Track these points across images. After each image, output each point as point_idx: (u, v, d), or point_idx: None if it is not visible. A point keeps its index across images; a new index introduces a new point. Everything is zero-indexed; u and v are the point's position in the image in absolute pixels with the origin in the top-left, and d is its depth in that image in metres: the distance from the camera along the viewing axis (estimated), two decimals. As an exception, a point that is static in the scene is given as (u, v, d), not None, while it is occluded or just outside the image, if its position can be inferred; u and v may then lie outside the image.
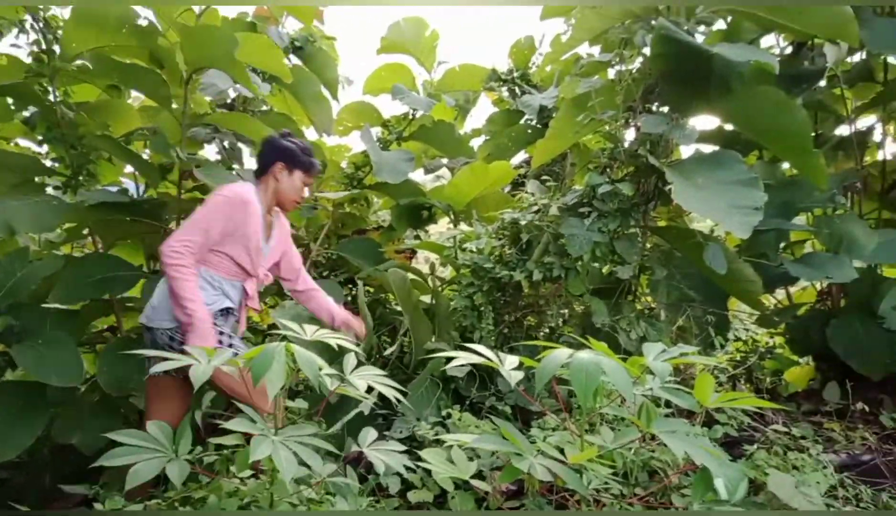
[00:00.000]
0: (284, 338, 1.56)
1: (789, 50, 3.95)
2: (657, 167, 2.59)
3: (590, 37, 2.98)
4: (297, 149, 2.52)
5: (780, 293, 4.28)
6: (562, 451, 1.33)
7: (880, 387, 3.51)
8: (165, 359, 1.53)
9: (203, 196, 3.55)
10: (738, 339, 4.46)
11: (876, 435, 2.98)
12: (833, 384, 3.52)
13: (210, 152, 4.21)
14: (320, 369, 1.50)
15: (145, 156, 3.65)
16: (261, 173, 2.52)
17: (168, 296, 2.26)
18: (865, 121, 4.20)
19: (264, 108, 4.21)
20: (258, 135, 3.34)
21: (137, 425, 3.19)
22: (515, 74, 4.73)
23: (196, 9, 3.16)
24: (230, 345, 2.30)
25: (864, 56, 3.83)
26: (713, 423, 2.60)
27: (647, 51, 2.83)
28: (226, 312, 2.37)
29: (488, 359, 1.38)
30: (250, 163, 4.66)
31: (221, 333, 2.30)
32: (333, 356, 2.04)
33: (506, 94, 4.89)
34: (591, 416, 1.45)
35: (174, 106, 3.28)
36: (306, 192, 2.66)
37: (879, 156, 4.18)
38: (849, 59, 3.91)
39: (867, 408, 3.02)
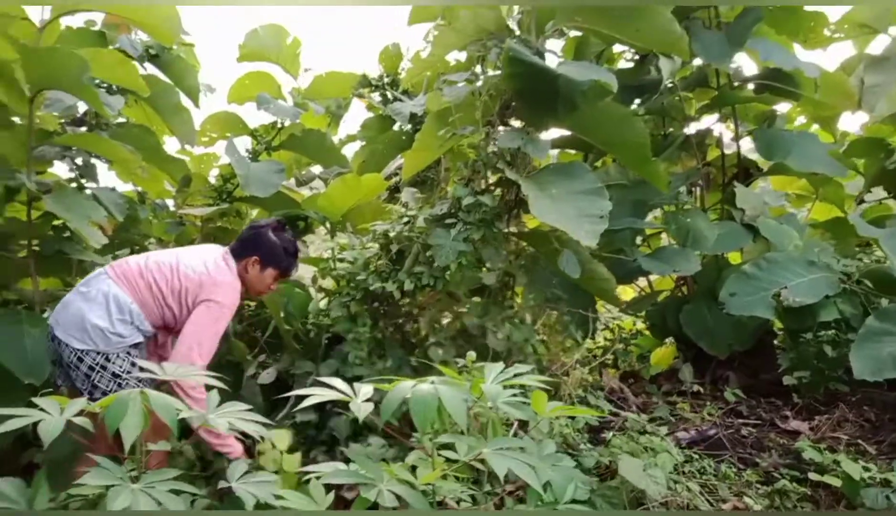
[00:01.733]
0: (141, 381, 1.53)
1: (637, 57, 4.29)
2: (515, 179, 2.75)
3: (447, 53, 3.09)
4: (280, 250, 2.58)
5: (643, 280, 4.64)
6: (415, 470, 1.43)
7: (727, 365, 3.91)
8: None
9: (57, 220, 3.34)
10: (606, 327, 4.81)
11: (721, 410, 3.33)
12: (687, 365, 3.87)
13: (61, 169, 3.96)
14: (178, 412, 1.49)
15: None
16: (238, 255, 2.57)
17: (81, 315, 2.28)
18: (707, 121, 4.64)
19: (121, 119, 4.00)
20: (114, 155, 3.20)
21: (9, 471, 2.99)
22: (386, 80, 4.79)
23: (36, 21, 2.95)
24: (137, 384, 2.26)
25: (700, 63, 4.22)
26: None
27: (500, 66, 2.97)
28: (137, 345, 2.37)
29: (342, 392, 1.44)
30: (107, 178, 4.40)
31: (129, 372, 2.28)
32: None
33: (377, 99, 4.94)
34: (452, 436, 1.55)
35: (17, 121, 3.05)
36: (275, 287, 2.71)
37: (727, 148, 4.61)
38: (693, 63, 4.29)
39: (702, 389, 3.36)
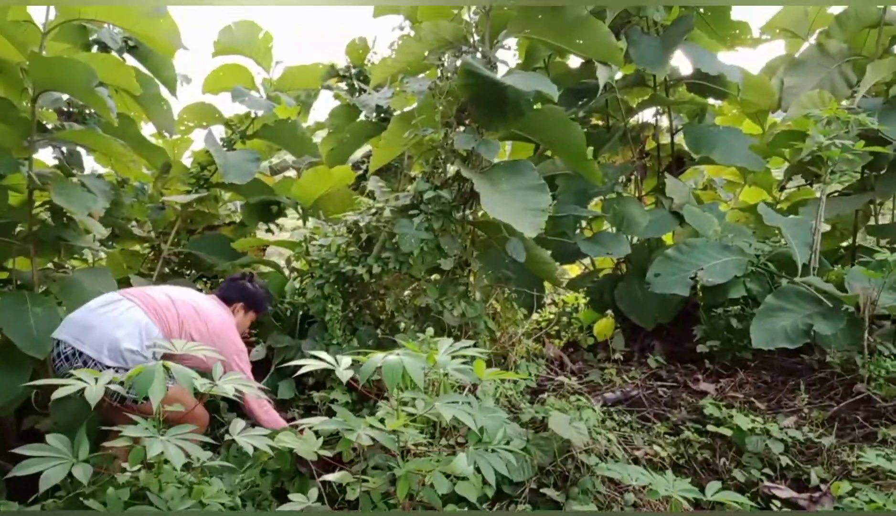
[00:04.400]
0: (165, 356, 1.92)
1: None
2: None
3: (411, 59, 3.46)
4: (259, 296, 3.12)
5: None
6: (384, 421, 1.85)
7: (656, 335, 4.46)
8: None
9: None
10: (552, 303, 5.31)
11: (644, 374, 3.86)
12: (619, 336, 4.41)
13: (44, 155, 4.19)
14: (193, 379, 1.89)
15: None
16: (225, 302, 3.02)
17: (113, 338, 2.54)
18: (646, 114, 5.11)
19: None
20: (109, 149, 3.49)
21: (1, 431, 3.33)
22: (353, 71, 5.11)
23: (40, 24, 3.18)
24: None
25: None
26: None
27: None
28: None
29: (328, 362, 1.85)
30: (90, 164, 4.66)
31: None
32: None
33: (344, 88, 5.26)
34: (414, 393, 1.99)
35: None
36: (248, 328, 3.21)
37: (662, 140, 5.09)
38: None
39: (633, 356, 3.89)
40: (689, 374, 3.83)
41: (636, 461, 2.90)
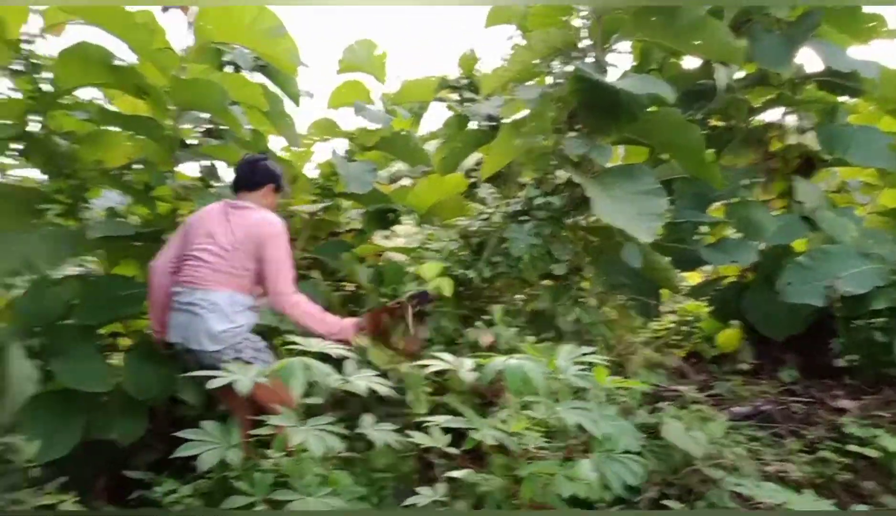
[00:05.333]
0: (301, 352, 2.06)
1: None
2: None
3: (521, 68, 3.50)
4: (281, 175, 2.92)
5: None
6: (505, 422, 1.89)
7: (787, 347, 4.18)
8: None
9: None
10: (672, 311, 5.13)
11: (776, 389, 3.65)
12: (746, 346, 4.19)
13: (186, 169, 4.60)
14: (328, 375, 2.02)
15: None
16: (251, 189, 2.81)
17: (205, 327, 2.59)
18: (772, 113, 4.83)
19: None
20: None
21: (156, 418, 3.68)
22: (464, 82, 5.23)
23: (178, 50, 3.53)
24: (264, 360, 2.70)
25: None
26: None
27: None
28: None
29: (451, 364, 1.92)
30: (226, 177, 5.06)
31: (258, 350, 2.69)
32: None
33: (456, 98, 5.38)
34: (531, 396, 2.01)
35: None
36: None
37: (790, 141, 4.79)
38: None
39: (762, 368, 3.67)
40: (827, 390, 3.59)
41: (767, 478, 2.75)
